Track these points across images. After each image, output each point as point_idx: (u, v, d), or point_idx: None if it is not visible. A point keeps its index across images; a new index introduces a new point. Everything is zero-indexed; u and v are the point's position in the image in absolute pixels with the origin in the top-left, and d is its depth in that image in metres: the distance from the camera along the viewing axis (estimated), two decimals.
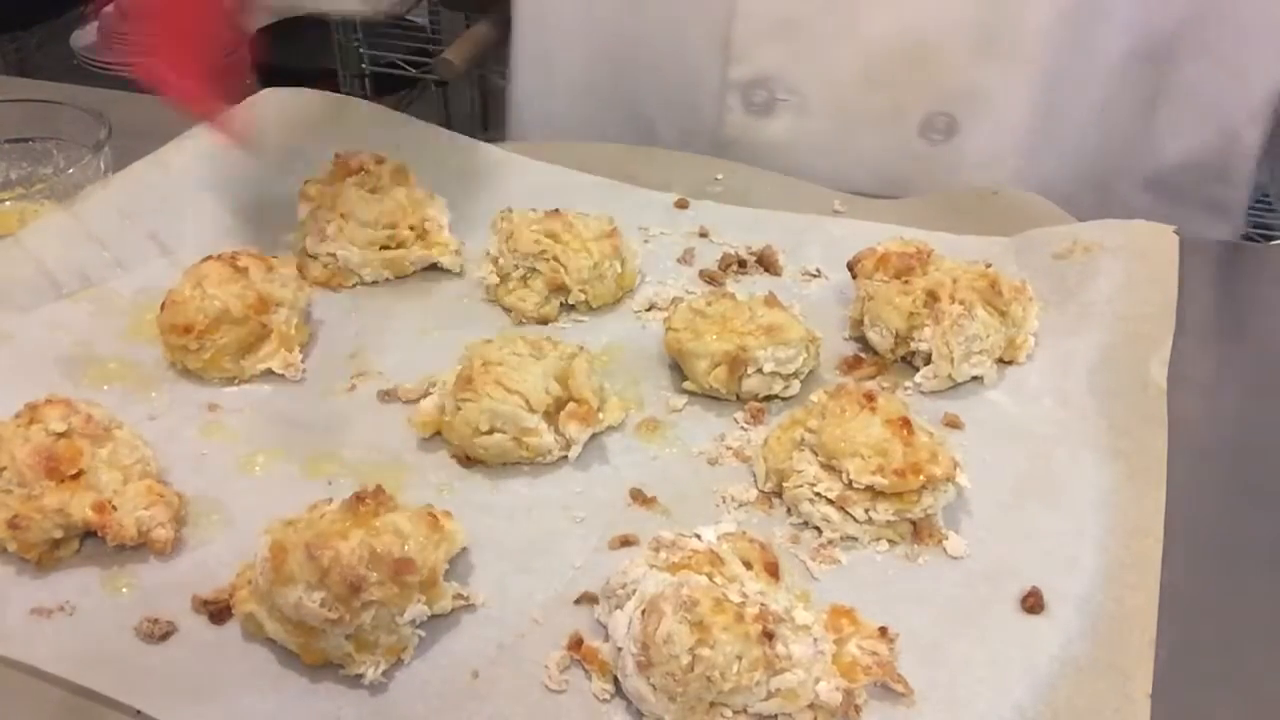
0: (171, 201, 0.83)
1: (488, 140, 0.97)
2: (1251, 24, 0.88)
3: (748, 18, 0.91)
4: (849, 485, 0.59)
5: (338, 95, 0.99)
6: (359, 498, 0.54)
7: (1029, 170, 0.93)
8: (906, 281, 0.71)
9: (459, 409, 0.63)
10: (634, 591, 0.52)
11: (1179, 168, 0.95)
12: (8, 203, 0.80)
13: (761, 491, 0.63)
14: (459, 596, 0.55)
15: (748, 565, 0.53)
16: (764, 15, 0.91)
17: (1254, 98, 0.91)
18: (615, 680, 0.52)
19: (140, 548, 0.58)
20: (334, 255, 0.79)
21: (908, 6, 0.88)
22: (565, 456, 0.65)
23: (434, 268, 0.81)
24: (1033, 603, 0.55)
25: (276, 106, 0.94)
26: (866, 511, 0.59)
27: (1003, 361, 0.72)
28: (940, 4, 0.87)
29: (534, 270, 0.76)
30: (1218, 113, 0.93)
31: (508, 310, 0.77)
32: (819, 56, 0.92)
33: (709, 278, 0.80)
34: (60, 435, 0.59)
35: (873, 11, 0.88)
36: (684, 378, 0.70)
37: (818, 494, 0.60)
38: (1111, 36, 0.89)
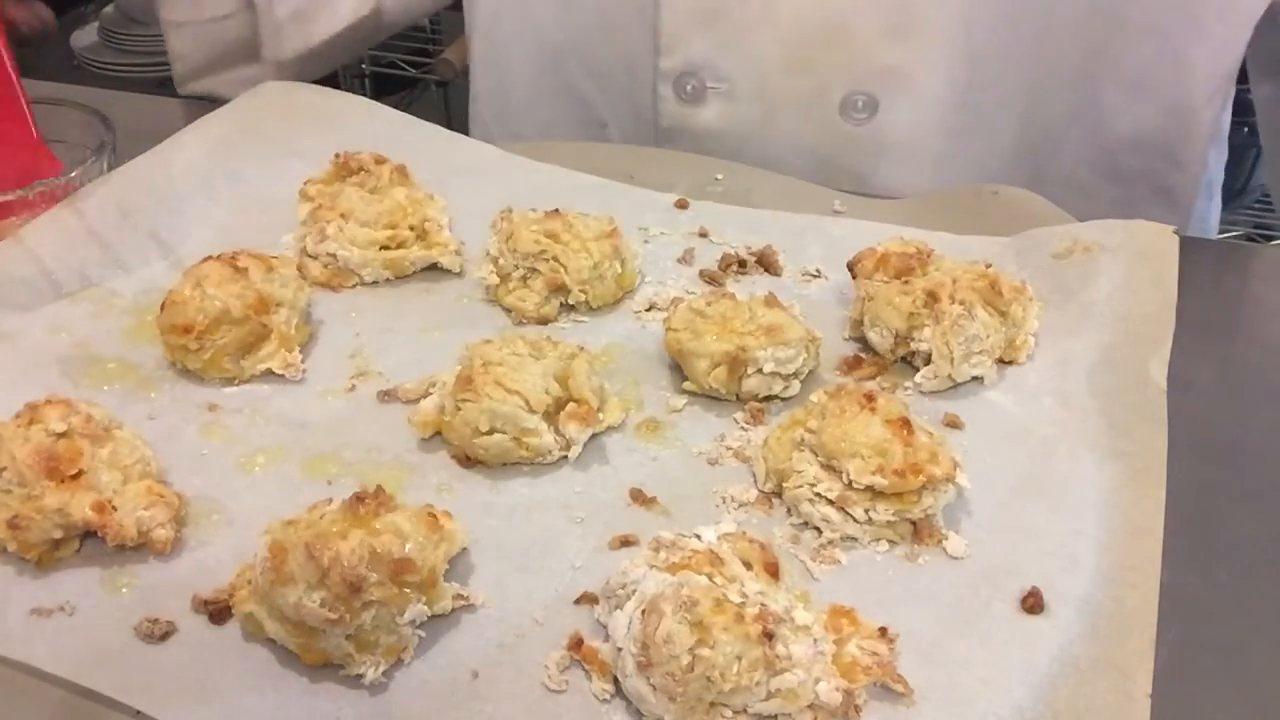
0: (172, 200, 0.83)
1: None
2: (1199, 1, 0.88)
3: (673, 9, 0.94)
4: (849, 485, 0.59)
5: (338, 91, 0.98)
6: (359, 498, 0.54)
7: (955, 148, 0.95)
8: (906, 281, 0.71)
9: (459, 409, 0.63)
10: (634, 591, 0.52)
11: (1127, 148, 0.96)
12: (10, 205, 0.80)
13: (761, 492, 0.63)
14: (459, 596, 0.55)
15: (748, 565, 0.53)
16: (688, 6, 0.94)
17: (1204, 79, 0.92)
18: (615, 680, 0.52)
19: (140, 548, 0.58)
20: (334, 255, 0.79)
21: None
22: (565, 456, 0.65)
23: (434, 268, 0.81)
24: (1033, 603, 0.55)
25: (277, 99, 0.94)
26: (866, 512, 0.59)
27: (1003, 361, 0.72)
28: None
29: (534, 270, 0.76)
30: (1165, 92, 0.93)
31: (508, 310, 0.77)
32: (742, 43, 0.94)
33: (709, 278, 0.80)
34: (60, 435, 0.59)
35: None
36: (684, 378, 0.70)
37: (818, 494, 0.60)
38: (1036, 14, 0.90)
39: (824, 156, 0.96)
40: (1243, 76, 0.95)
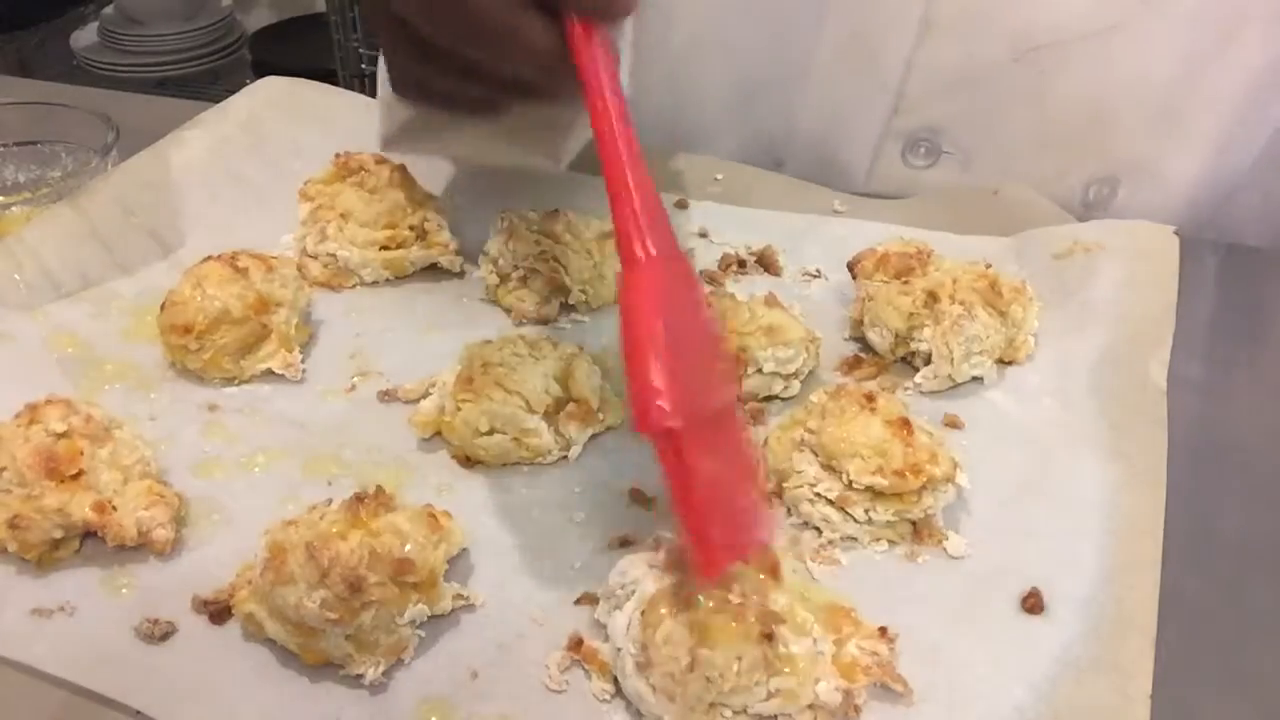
0: (172, 199, 0.83)
1: None
2: None
3: (927, 71, 0.88)
4: (849, 486, 0.59)
5: (338, 90, 0.98)
6: (359, 498, 0.54)
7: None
8: (906, 282, 0.71)
9: (459, 409, 0.63)
10: (634, 591, 0.52)
11: (1254, 219, 0.92)
12: (13, 208, 0.80)
13: None
14: (459, 596, 0.55)
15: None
16: (944, 71, 0.88)
17: None
18: (615, 680, 0.52)
19: (140, 548, 0.58)
20: (334, 255, 0.79)
21: (1095, 68, 0.85)
22: (565, 457, 0.65)
23: (434, 268, 0.81)
24: (1033, 603, 0.55)
25: (277, 98, 0.94)
26: (866, 512, 0.59)
27: (1003, 362, 0.72)
28: (1129, 67, 0.84)
29: (534, 270, 0.76)
30: None
31: (508, 310, 0.77)
32: (994, 115, 0.89)
33: (709, 278, 0.80)
34: (60, 435, 0.59)
35: (1057, 75, 0.85)
36: None
37: (818, 494, 0.60)
38: (1274, 112, 0.87)
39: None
40: None
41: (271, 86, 0.95)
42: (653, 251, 0.49)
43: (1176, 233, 0.77)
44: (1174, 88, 0.85)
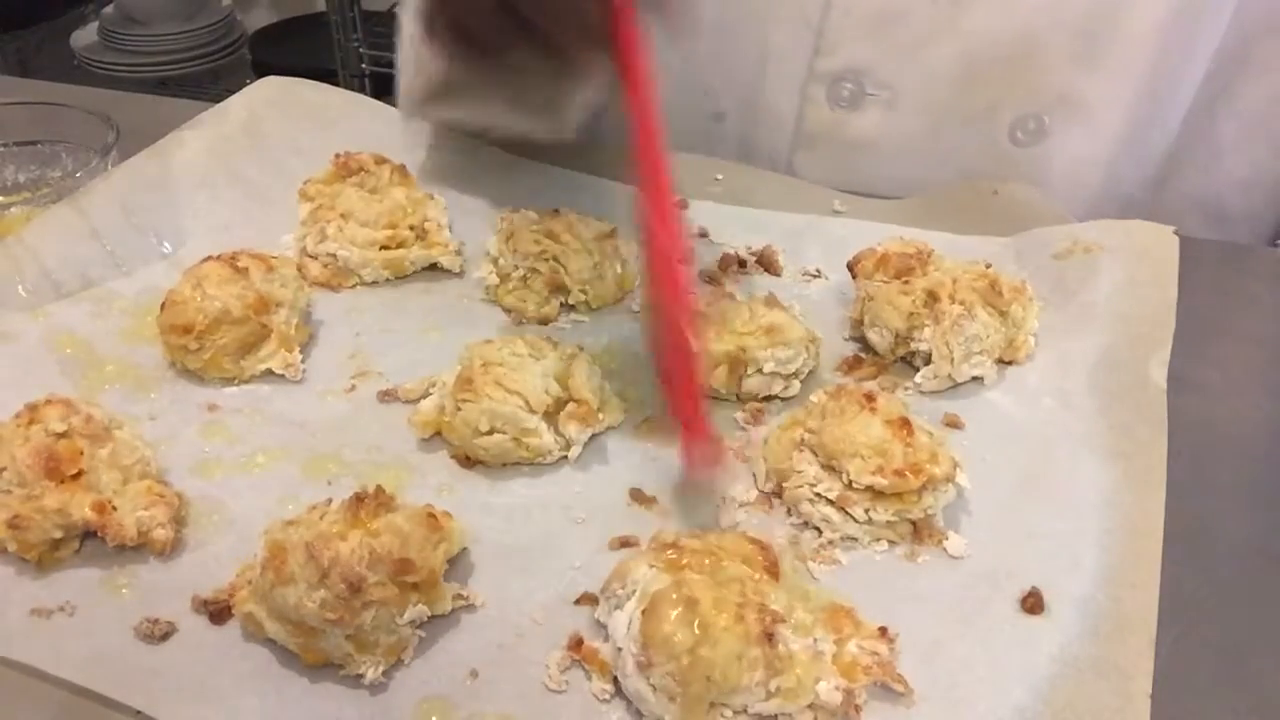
0: (173, 199, 0.83)
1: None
2: None
3: (846, 9, 0.88)
4: (849, 485, 0.59)
5: (338, 89, 0.98)
6: (359, 498, 0.54)
7: (1111, 179, 0.91)
8: (906, 281, 0.71)
9: (459, 409, 0.63)
10: (634, 591, 0.52)
11: (1237, 189, 0.94)
12: (14, 208, 0.80)
13: (761, 491, 0.63)
14: (459, 596, 0.55)
15: (748, 565, 0.53)
16: (862, 7, 0.88)
17: None
18: (615, 680, 0.52)
19: (140, 548, 0.58)
20: (334, 255, 0.79)
21: (1015, 4, 0.85)
22: (565, 457, 0.65)
23: (434, 268, 0.81)
24: (1033, 603, 0.55)
25: (277, 97, 0.94)
26: (866, 512, 0.59)
27: (1003, 361, 0.72)
28: (1048, 2, 0.84)
29: (534, 270, 0.76)
30: (1275, 130, 0.91)
31: (508, 310, 0.77)
32: (916, 52, 0.89)
33: (709, 278, 0.80)
34: (60, 435, 0.59)
35: (977, 7, 0.85)
36: None
37: (818, 494, 0.60)
38: (1201, 45, 0.87)
39: (978, 176, 0.90)
40: None
41: (270, 86, 0.95)
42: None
43: (1176, 233, 0.77)
44: (1093, 20, 0.84)
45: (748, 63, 0.95)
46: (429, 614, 0.54)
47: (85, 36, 2.39)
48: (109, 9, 2.38)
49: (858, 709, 0.50)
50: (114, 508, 0.57)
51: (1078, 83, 0.87)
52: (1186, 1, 0.83)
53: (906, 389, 0.70)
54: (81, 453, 0.59)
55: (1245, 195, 0.94)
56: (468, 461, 0.65)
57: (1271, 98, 0.89)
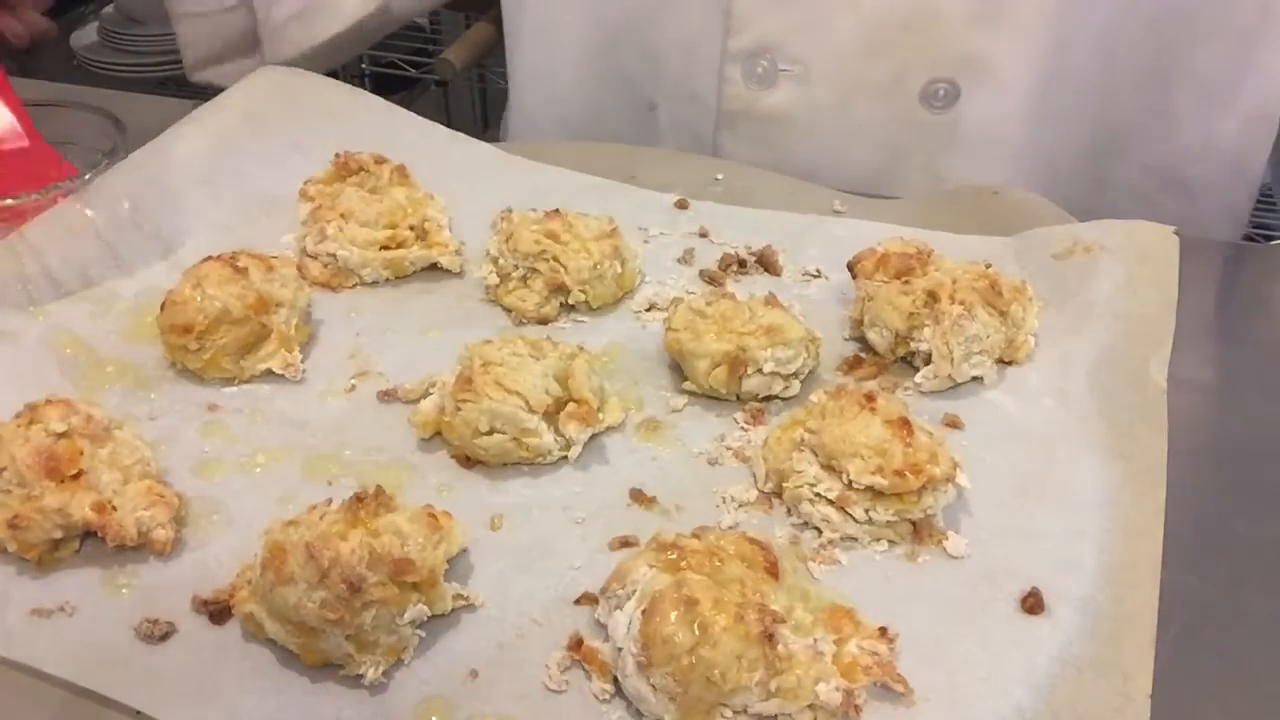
0: (173, 196, 0.83)
1: (488, 140, 0.97)
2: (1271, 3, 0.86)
3: None
4: (849, 485, 0.59)
5: (340, 83, 0.98)
6: (359, 498, 0.54)
7: (1029, 143, 0.92)
8: (906, 281, 0.71)
9: (459, 409, 0.63)
10: (634, 591, 0.52)
11: (1195, 157, 0.94)
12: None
13: (761, 492, 0.63)
14: (459, 596, 0.55)
15: (748, 565, 0.53)
16: None
17: (1273, 80, 0.89)
18: (615, 680, 0.52)
19: (140, 548, 0.58)
20: (334, 255, 0.79)
21: None
22: (565, 457, 0.65)
23: (434, 268, 0.81)
24: (1033, 603, 0.55)
25: (277, 89, 0.94)
26: (866, 512, 0.59)
27: (1003, 361, 0.72)
28: None
29: (534, 270, 0.76)
30: (1238, 101, 0.90)
31: (508, 310, 0.77)
32: (821, 24, 0.90)
33: (709, 278, 0.80)
34: (60, 435, 0.59)
35: None
36: (684, 378, 0.70)
37: (818, 494, 0.60)
38: (1119, 8, 0.87)
39: (897, 145, 0.93)
40: None
41: (271, 78, 0.95)
42: None
43: (1176, 233, 0.77)
44: None
45: (667, 50, 0.97)
46: (429, 614, 0.54)
47: (85, 36, 2.38)
48: (109, 9, 2.38)
49: (858, 709, 0.50)
50: (114, 508, 0.58)
51: (981, 43, 0.88)
52: None
53: (906, 389, 0.70)
54: (81, 453, 0.59)
55: (1204, 164, 0.94)
56: (468, 461, 0.65)
57: (1224, 65, 0.89)
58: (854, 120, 0.93)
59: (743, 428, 0.68)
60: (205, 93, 0.98)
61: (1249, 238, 1.20)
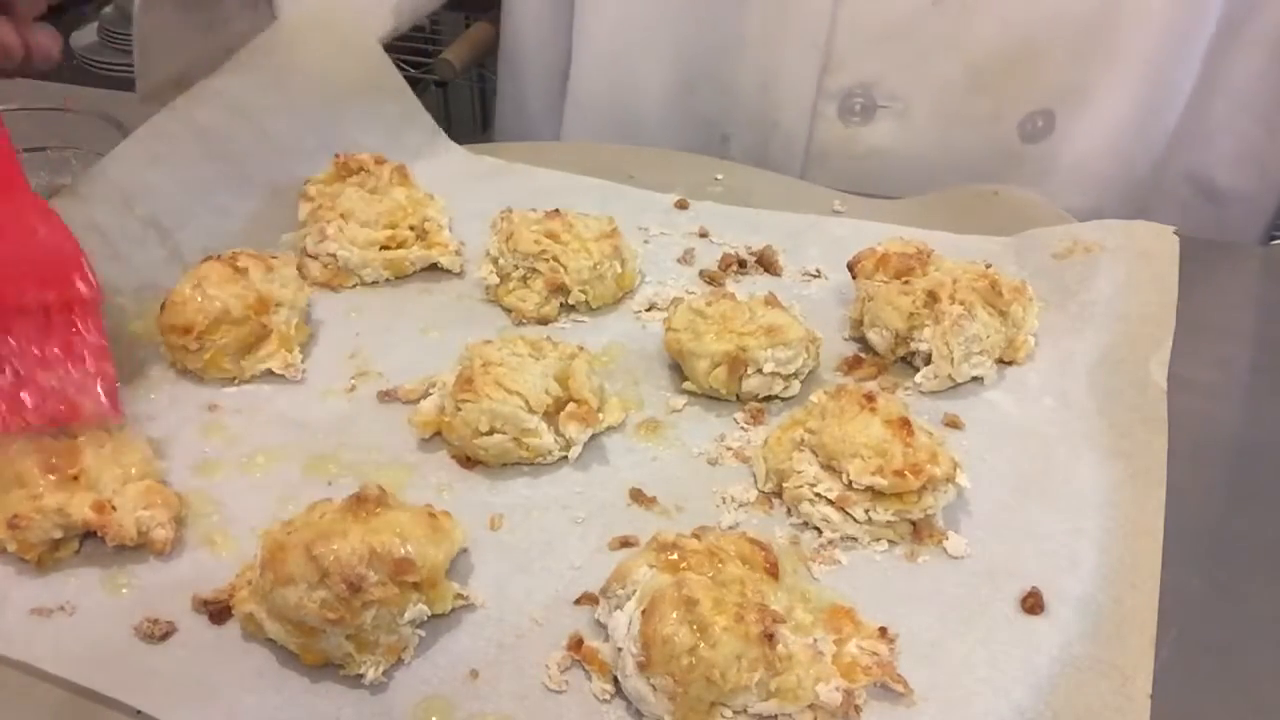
0: (175, 178, 0.81)
1: (487, 140, 0.97)
2: None
3: (852, 27, 0.90)
4: (849, 486, 0.59)
5: (374, 49, 0.94)
6: (359, 498, 0.54)
7: (1123, 167, 0.92)
8: (906, 282, 0.71)
9: (459, 409, 0.63)
10: (634, 591, 0.52)
11: (1227, 164, 0.95)
12: None
13: (761, 492, 0.63)
14: (459, 596, 0.55)
15: (748, 565, 0.53)
16: (867, 23, 0.90)
17: None
18: (615, 680, 0.52)
19: (140, 548, 0.58)
20: (334, 255, 0.79)
21: (1014, 7, 0.87)
22: (565, 457, 0.65)
23: (434, 268, 0.81)
24: (1033, 603, 0.55)
25: (276, 83, 0.90)
26: (866, 512, 0.59)
27: (1003, 361, 0.72)
28: (1047, 2, 0.86)
29: (534, 270, 0.76)
30: (1268, 109, 0.92)
31: (508, 310, 0.77)
32: (923, 62, 0.91)
33: (709, 278, 0.80)
34: (60, 435, 0.59)
35: (978, 15, 0.87)
36: (684, 378, 0.70)
37: (818, 494, 0.60)
38: (1200, 27, 0.88)
39: (993, 177, 0.92)
40: None
41: (300, 30, 0.90)
42: None
43: (1176, 233, 0.77)
44: (1097, 15, 0.86)
45: (753, 85, 0.96)
46: (429, 614, 0.54)
47: (85, 36, 2.38)
48: (109, 9, 2.38)
49: (858, 709, 0.50)
50: (114, 508, 0.58)
51: (1082, 76, 0.89)
52: None
53: (906, 389, 0.70)
54: (81, 453, 0.59)
55: (1235, 172, 0.96)
56: (468, 461, 0.65)
57: (1258, 74, 0.91)
58: (950, 152, 0.94)
59: (743, 428, 0.68)
60: None
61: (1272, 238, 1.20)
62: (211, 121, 0.84)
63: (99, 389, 0.62)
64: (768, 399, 0.69)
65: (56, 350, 0.62)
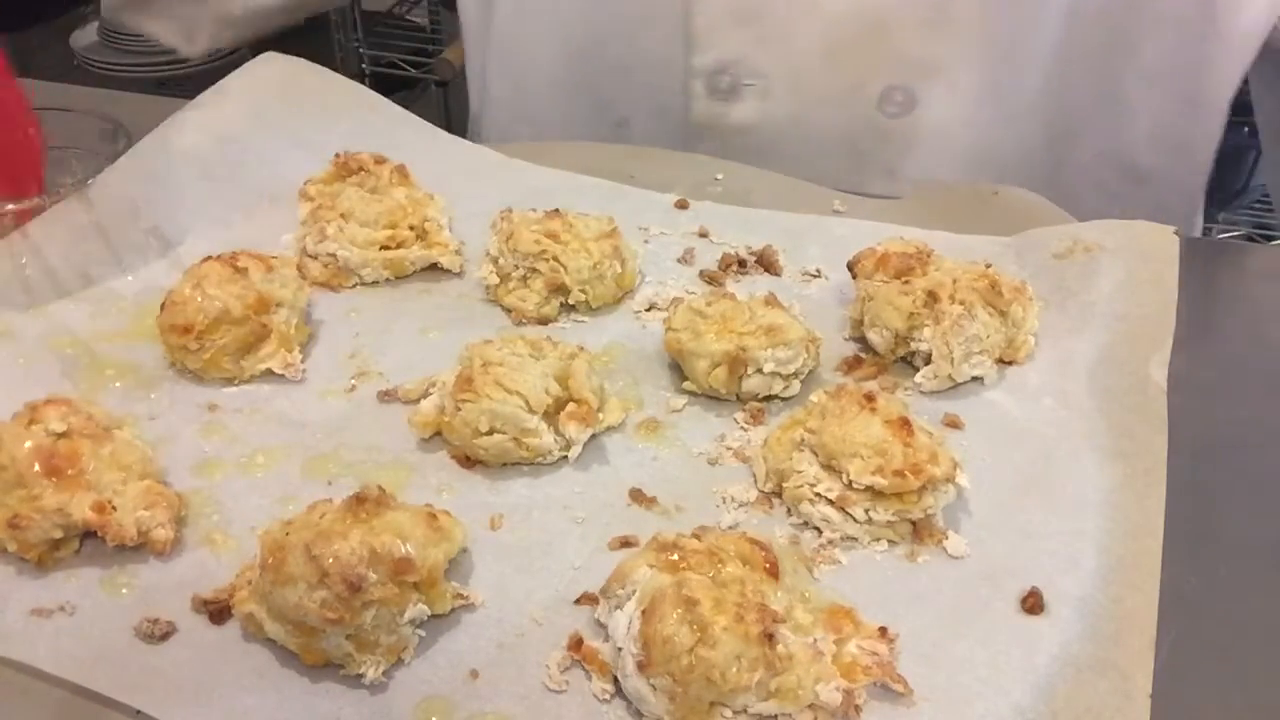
0: (173, 197, 0.83)
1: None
2: None
3: (708, 6, 0.94)
4: (849, 485, 0.59)
5: (342, 78, 0.97)
6: (359, 498, 0.54)
7: (985, 140, 0.95)
8: (906, 281, 0.71)
9: (459, 409, 0.63)
10: (634, 591, 0.52)
11: (1145, 144, 0.96)
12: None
13: (761, 492, 0.63)
14: (459, 596, 0.55)
15: (748, 565, 0.53)
16: (723, 3, 0.93)
17: (1222, 72, 0.91)
18: (615, 680, 0.52)
19: (140, 548, 0.58)
20: (334, 255, 0.79)
21: None
22: (565, 457, 0.65)
23: (434, 268, 0.81)
24: (1033, 603, 0.55)
25: (278, 82, 0.93)
26: (866, 512, 0.59)
27: (1003, 361, 0.72)
28: None
29: (534, 270, 0.76)
30: (1184, 85, 0.93)
31: (508, 310, 0.77)
32: (780, 39, 0.94)
33: (709, 278, 0.80)
34: (60, 435, 0.59)
35: None
36: (684, 378, 0.70)
37: (818, 494, 0.60)
38: (1059, 3, 0.90)
39: (858, 150, 0.96)
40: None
41: (272, 69, 0.93)
42: None
43: (1176, 233, 0.77)
44: None
45: (636, 67, 1.00)
46: (429, 614, 0.54)
47: (85, 36, 2.38)
48: None
49: (858, 709, 0.50)
50: (114, 508, 0.57)
51: (934, 49, 0.92)
52: None
53: (906, 389, 0.70)
54: (81, 453, 0.59)
55: (1155, 151, 0.97)
56: (468, 461, 0.65)
57: (1169, 52, 0.92)
58: (816, 129, 0.97)
59: (743, 428, 0.68)
60: None
61: (1249, 237, 1.20)
62: (198, 147, 0.85)
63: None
64: (768, 399, 0.69)
65: None
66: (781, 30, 0.94)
